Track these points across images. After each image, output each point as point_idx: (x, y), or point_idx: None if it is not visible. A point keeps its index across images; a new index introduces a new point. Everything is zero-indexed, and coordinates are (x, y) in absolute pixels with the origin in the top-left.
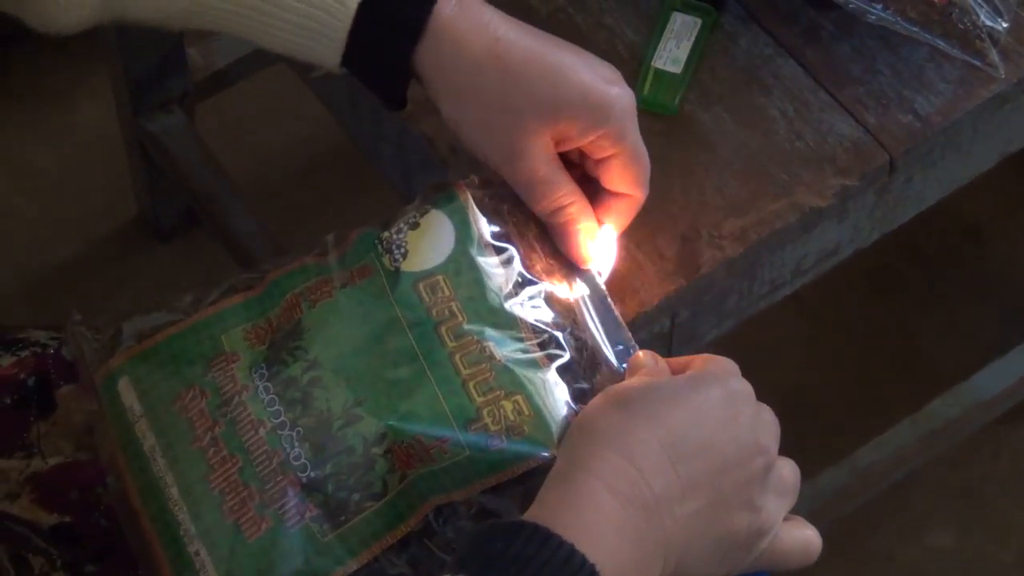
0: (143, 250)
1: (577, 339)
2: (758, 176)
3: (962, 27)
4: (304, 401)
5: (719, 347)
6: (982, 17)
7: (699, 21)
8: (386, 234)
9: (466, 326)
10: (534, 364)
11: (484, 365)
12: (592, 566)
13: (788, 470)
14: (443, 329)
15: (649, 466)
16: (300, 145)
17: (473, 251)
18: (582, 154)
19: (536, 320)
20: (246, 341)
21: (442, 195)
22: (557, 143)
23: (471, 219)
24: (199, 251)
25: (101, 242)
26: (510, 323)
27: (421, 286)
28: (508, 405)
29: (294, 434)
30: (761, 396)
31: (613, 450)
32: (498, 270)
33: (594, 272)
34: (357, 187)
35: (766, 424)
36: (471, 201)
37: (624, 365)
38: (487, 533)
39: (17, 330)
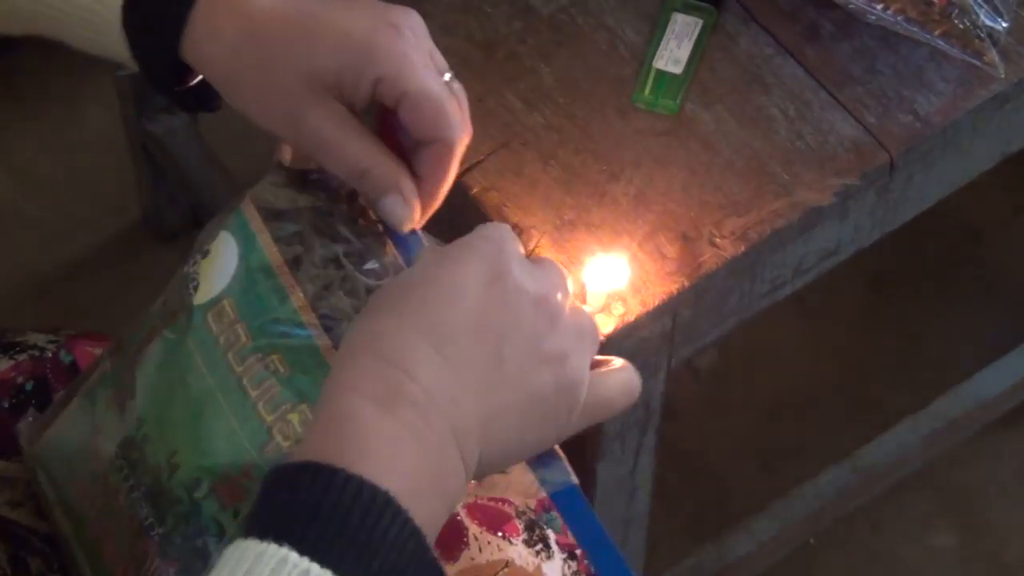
0: (148, 251)
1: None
2: (759, 175)
3: (962, 27)
4: (140, 460)
5: (720, 346)
6: (982, 17)
7: (700, 21)
8: (185, 269)
9: (251, 345)
10: (322, 365)
11: (270, 382)
12: (384, 493)
13: (581, 315)
14: (230, 355)
15: (409, 359)
16: None
17: (255, 264)
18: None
19: (318, 292)
20: (109, 410)
21: (230, 214)
22: (346, 100)
23: (255, 230)
24: None
25: (106, 244)
26: (292, 316)
27: (209, 316)
28: (295, 417)
29: (139, 495)
30: (763, 395)
31: (366, 356)
32: (286, 278)
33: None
34: None
35: (542, 275)
36: (255, 211)
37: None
38: (271, 485)
39: (16, 333)
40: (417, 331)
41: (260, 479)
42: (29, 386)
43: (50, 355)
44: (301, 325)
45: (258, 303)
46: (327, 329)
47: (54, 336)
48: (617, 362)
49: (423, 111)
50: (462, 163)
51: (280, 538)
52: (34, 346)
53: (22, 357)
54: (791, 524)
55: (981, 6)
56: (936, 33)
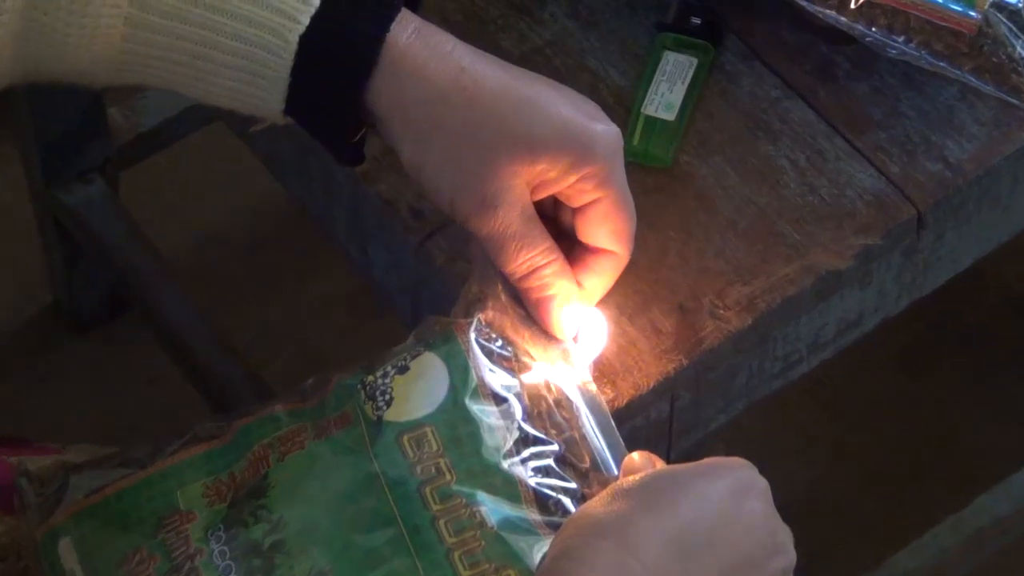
0: (61, 343)
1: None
2: (766, 236)
3: (996, 60)
4: (265, 569)
5: (727, 437)
6: (1018, 49)
7: (695, 60)
8: (370, 378)
9: (455, 487)
10: (532, 533)
11: (473, 533)
12: None
13: None
14: (427, 490)
15: (652, 561)
16: (242, 217)
17: (468, 400)
18: (556, 204)
19: (538, 484)
20: (205, 498)
21: (438, 335)
22: (532, 190)
23: (470, 364)
24: (127, 344)
25: (12, 335)
26: (507, 485)
27: (405, 439)
28: None
29: None
30: (777, 493)
31: (610, 540)
32: (497, 422)
33: (579, 356)
34: (309, 267)
35: (783, 524)
36: (473, 343)
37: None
38: None
39: None
40: (665, 534)
41: None
42: None
43: None
44: (509, 485)
45: (469, 443)
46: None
47: None
48: None
49: (617, 217)
50: (424, 229)
51: None
52: None
53: None
54: None
55: (1018, 36)
56: (967, 68)
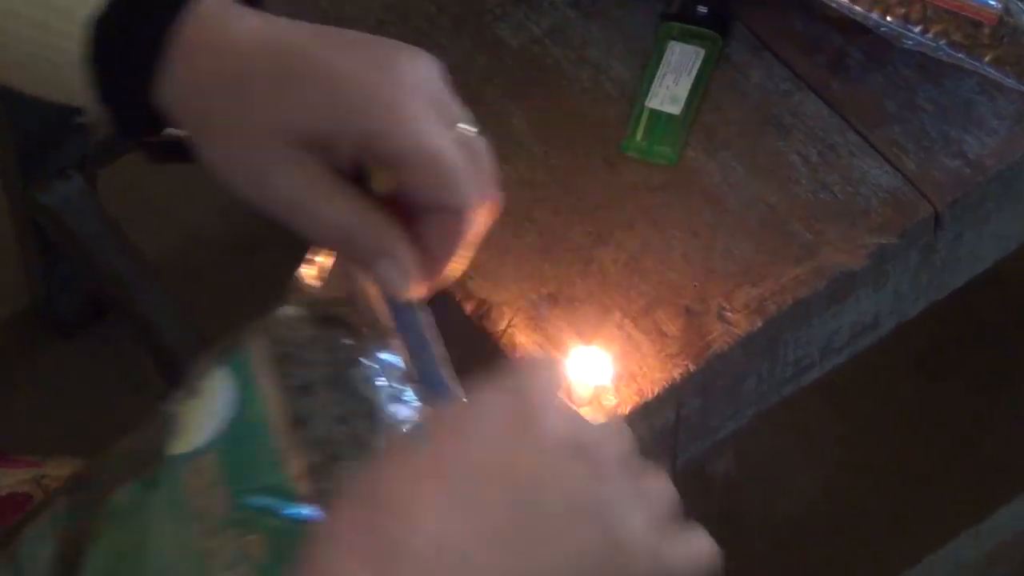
0: (39, 350)
1: None
2: (777, 235)
3: (1017, 52)
4: None
5: (736, 446)
6: None
7: (701, 51)
8: (165, 406)
9: (229, 517)
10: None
11: (243, 568)
12: None
13: (653, 479)
14: (197, 527)
15: (411, 506)
16: (226, 216)
17: (253, 416)
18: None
19: (323, 462)
20: (55, 563)
21: (233, 347)
22: (332, 157)
23: (257, 372)
24: (109, 348)
25: None
26: (284, 487)
27: (186, 471)
28: None
29: None
30: (789, 507)
31: (359, 505)
32: (286, 437)
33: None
34: (296, 265)
35: (587, 426)
36: (263, 349)
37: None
38: None
39: None
40: (424, 475)
41: None
42: None
43: None
44: (292, 500)
45: (247, 464)
46: (326, 508)
47: None
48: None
49: (420, 174)
50: None
51: None
52: None
53: None
54: None
55: None
56: (986, 59)
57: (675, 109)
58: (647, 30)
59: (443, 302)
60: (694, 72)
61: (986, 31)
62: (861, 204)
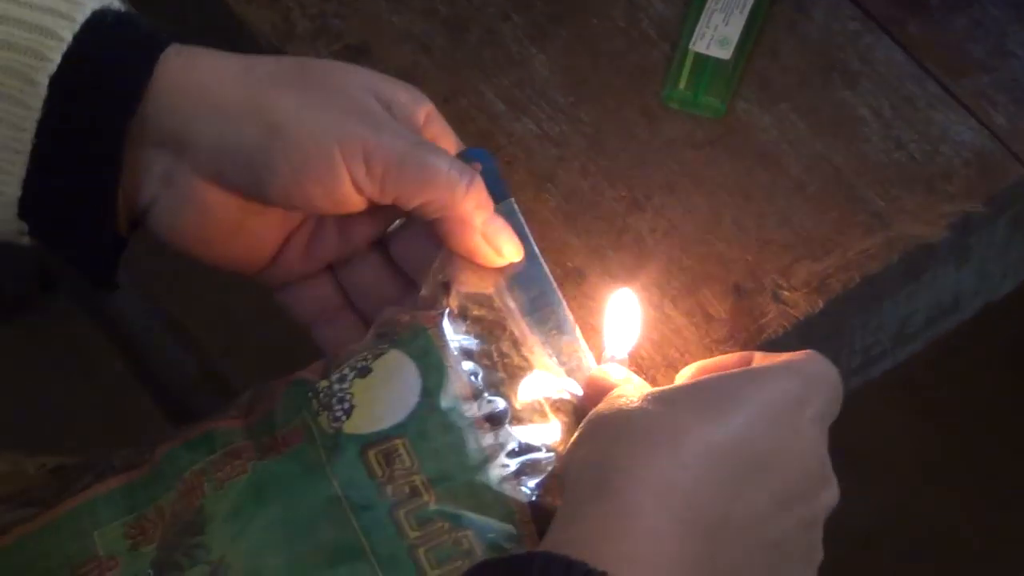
0: None
1: None
2: (842, 202)
3: None
4: None
5: None
6: None
7: None
8: (324, 383)
9: (434, 508)
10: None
11: (460, 563)
12: None
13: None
14: (402, 513)
15: (703, 482)
16: None
17: (446, 406)
18: None
19: (538, 499)
20: (127, 540)
21: (405, 329)
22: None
23: (445, 362)
24: (58, 330)
25: None
26: (498, 503)
27: (372, 454)
28: None
29: None
30: (856, 520)
31: (663, 452)
32: (485, 433)
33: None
34: None
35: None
36: (447, 338)
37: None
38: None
39: None
40: (719, 448)
41: None
42: None
43: None
44: (498, 498)
45: (449, 456)
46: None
47: None
48: None
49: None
50: None
51: None
52: None
53: None
54: None
55: None
56: None
57: (724, 53)
58: None
59: None
60: (747, 10)
61: None
62: (941, 166)
